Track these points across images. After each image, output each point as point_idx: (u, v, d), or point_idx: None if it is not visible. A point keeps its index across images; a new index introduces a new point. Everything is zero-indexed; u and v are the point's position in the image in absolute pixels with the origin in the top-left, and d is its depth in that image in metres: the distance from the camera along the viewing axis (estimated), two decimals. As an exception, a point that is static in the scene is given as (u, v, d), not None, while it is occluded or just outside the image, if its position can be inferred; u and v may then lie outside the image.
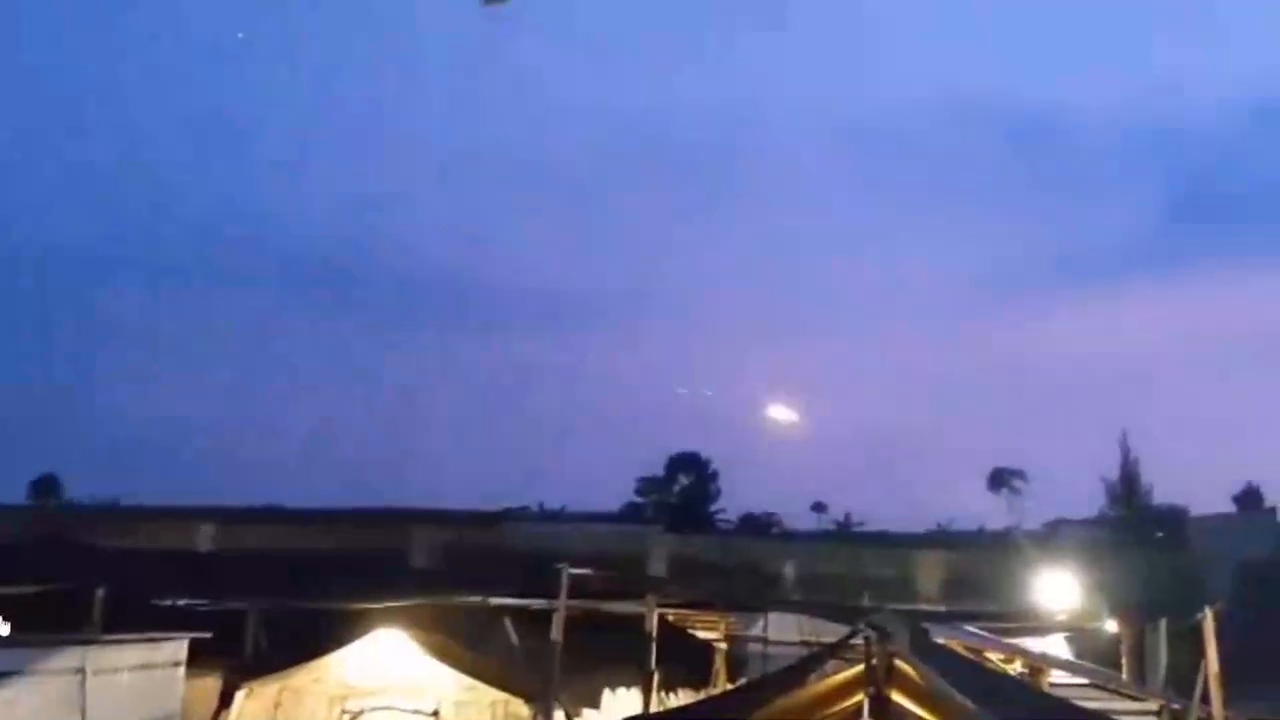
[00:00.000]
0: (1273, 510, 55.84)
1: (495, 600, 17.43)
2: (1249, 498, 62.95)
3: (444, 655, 16.57)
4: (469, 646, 16.80)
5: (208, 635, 15.54)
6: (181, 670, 15.13)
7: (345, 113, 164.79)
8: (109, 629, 14.67)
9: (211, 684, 17.43)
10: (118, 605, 15.79)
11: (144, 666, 14.37)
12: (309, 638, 17.20)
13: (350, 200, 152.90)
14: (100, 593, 15.67)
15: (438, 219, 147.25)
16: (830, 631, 17.25)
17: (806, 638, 21.29)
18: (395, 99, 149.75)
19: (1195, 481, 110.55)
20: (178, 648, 15.02)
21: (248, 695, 16.64)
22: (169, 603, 18.02)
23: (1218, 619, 15.25)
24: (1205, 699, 15.14)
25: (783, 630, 23.50)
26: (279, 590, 20.01)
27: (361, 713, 17.15)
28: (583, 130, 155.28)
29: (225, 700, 16.98)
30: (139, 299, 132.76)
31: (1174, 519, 51.47)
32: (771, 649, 22.77)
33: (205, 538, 38.30)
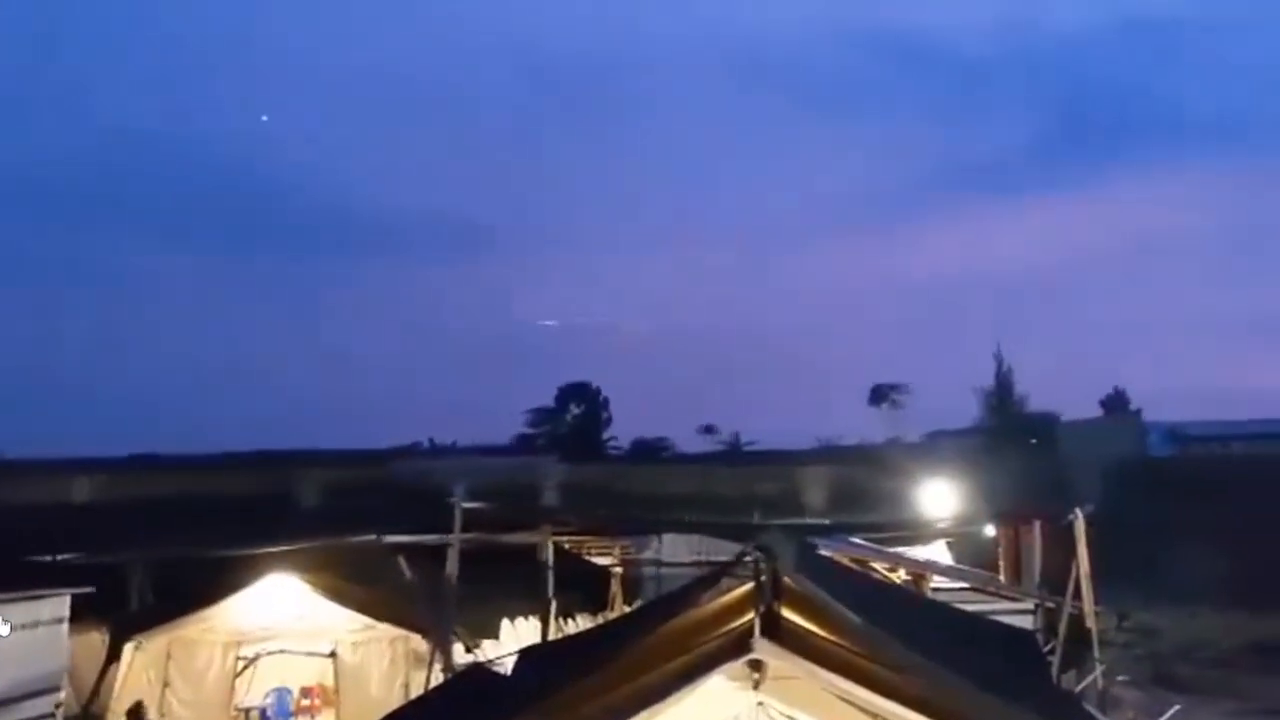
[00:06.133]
0: (1137, 413, 58.71)
1: (389, 538, 17.31)
2: (1116, 401, 65.99)
3: (338, 595, 16.46)
4: (363, 585, 16.70)
5: (90, 590, 15.09)
6: (65, 627, 14.71)
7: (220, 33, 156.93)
8: (-17, 589, 14.12)
9: (98, 639, 17.02)
10: (-9, 564, 15.22)
11: (24, 625, 13.92)
12: (198, 587, 16.89)
13: (225, 128, 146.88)
14: (-29, 553, 15.08)
15: (311, 147, 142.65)
16: (724, 550, 17.65)
17: (700, 558, 21.76)
18: (271, 20, 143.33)
19: (1066, 388, 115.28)
20: (59, 604, 14.56)
21: (137, 648, 16.30)
22: (47, 559, 17.46)
23: (1087, 520, 16.07)
24: (1077, 596, 15.99)
25: (676, 552, 23.99)
26: (163, 541, 19.56)
27: (257, 659, 16.97)
28: (459, 57, 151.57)
29: (114, 655, 16.63)
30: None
31: (1046, 425, 53.59)
32: (666, 571, 23.25)
33: (81, 490, 37.08)
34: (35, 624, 14.19)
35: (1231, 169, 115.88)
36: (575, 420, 73.18)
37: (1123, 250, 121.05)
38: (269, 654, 17.03)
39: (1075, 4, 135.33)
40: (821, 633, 6.88)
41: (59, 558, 17.43)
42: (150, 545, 18.67)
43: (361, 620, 16.48)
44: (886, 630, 6.61)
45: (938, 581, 19.27)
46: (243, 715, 17.14)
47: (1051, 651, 14.99)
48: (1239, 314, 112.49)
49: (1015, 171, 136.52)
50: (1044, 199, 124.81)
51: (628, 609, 21.26)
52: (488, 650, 15.88)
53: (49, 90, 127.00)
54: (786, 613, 6.91)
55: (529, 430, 72.48)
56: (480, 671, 10.43)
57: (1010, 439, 50.56)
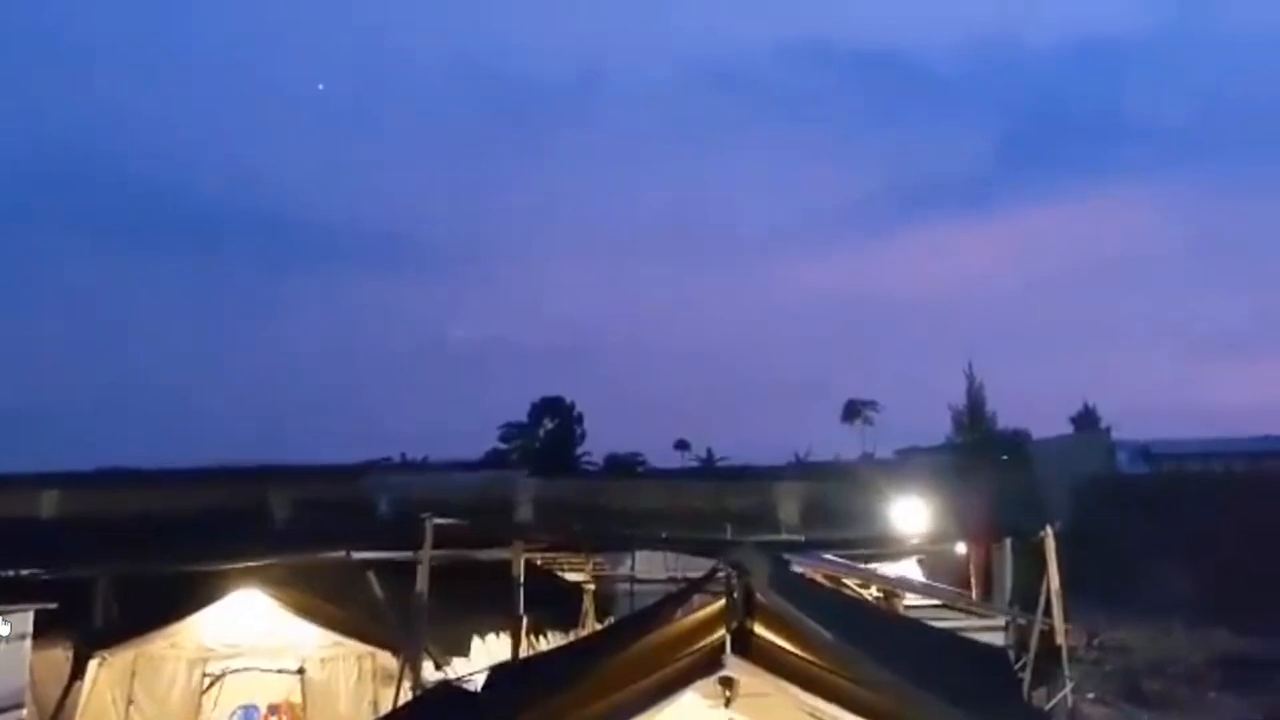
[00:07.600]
0: (1107, 430, 59.20)
1: (358, 555, 17.16)
2: (1085, 418, 66.54)
3: (307, 612, 16.29)
4: (332, 602, 16.54)
5: (53, 606, 14.88)
6: (27, 643, 14.49)
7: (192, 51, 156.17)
8: (-58, 606, 13.91)
9: (61, 655, 16.76)
10: (-50, 581, 15.00)
11: (-15, 642, 13.71)
12: (164, 602, 16.67)
13: (198, 144, 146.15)
14: (-69, 569, 14.85)
15: (280, 163, 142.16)
16: (697, 566, 17.58)
17: (673, 574, 21.69)
18: (241, 46, 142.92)
19: (1036, 405, 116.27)
20: (21, 620, 14.36)
21: (101, 665, 16.08)
22: (10, 574, 17.22)
23: (1058, 537, 16.14)
24: (1048, 612, 16.05)
25: (650, 568, 23.87)
26: (130, 555, 19.31)
27: (223, 675, 16.75)
28: (428, 72, 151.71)
29: (77, 672, 16.39)
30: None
31: (1016, 442, 53.95)
32: (639, 587, 23.13)
33: (47, 505, 36.56)
34: (-3, 640, 13.98)
35: (1199, 185, 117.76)
36: (549, 435, 73.13)
37: (1092, 267, 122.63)
38: (235, 671, 16.83)
39: (1045, 25, 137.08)
40: (793, 649, 6.86)
41: (22, 573, 17.19)
42: (116, 559, 18.42)
43: (330, 637, 16.30)
44: (858, 647, 6.60)
45: (910, 598, 19.29)
46: (209, 733, 16.93)
47: (1023, 668, 15.01)
48: (1208, 330, 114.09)
49: (985, 188, 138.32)
50: (1014, 216, 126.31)
51: (600, 626, 21.16)
52: (458, 667, 15.74)
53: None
54: (758, 629, 6.89)
55: (502, 445, 72.36)
56: (450, 689, 10.33)
57: (982, 456, 50.81)
